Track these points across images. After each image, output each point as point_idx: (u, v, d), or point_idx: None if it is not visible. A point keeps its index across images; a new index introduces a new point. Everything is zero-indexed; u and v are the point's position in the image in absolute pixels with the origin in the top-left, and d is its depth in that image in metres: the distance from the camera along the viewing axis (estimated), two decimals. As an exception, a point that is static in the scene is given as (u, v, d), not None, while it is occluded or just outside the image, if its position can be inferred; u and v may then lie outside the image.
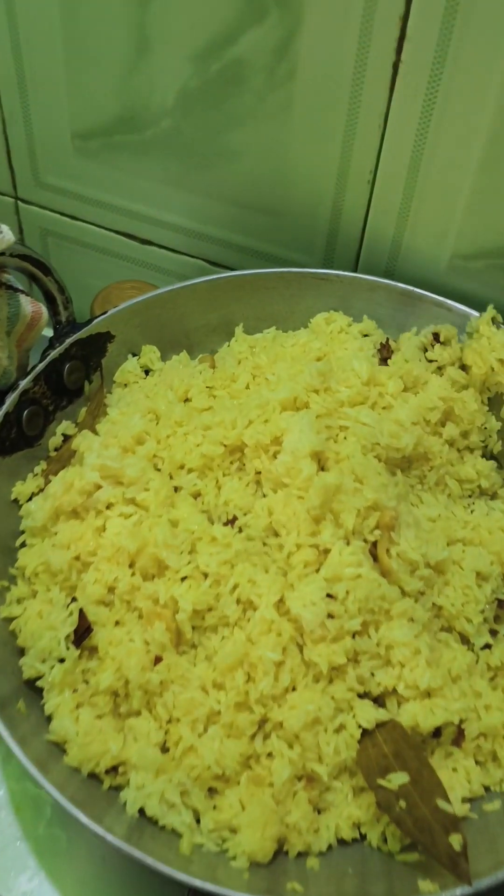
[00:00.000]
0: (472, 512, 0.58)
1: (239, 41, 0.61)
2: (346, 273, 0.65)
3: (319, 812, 0.48)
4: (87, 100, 0.70)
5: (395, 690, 0.49)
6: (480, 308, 0.62)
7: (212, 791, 0.48)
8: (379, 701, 0.49)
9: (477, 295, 0.66)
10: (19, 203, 0.81)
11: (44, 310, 0.58)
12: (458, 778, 0.49)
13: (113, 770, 0.48)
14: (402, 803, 0.44)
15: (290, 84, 0.62)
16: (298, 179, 0.67)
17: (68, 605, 0.50)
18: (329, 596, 0.48)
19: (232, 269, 0.75)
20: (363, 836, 0.48)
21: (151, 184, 0.73)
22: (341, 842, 0.48)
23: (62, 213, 0.80)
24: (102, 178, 0.75)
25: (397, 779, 0.45)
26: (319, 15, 0.58)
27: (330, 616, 0.47)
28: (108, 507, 0.52)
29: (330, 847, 0.47)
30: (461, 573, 0.53)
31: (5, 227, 0.52)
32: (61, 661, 0.49)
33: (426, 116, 0.59)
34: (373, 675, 0.49)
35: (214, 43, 0.62)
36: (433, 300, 0.64)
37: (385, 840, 0.47)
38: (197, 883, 0.41)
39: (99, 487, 0.52)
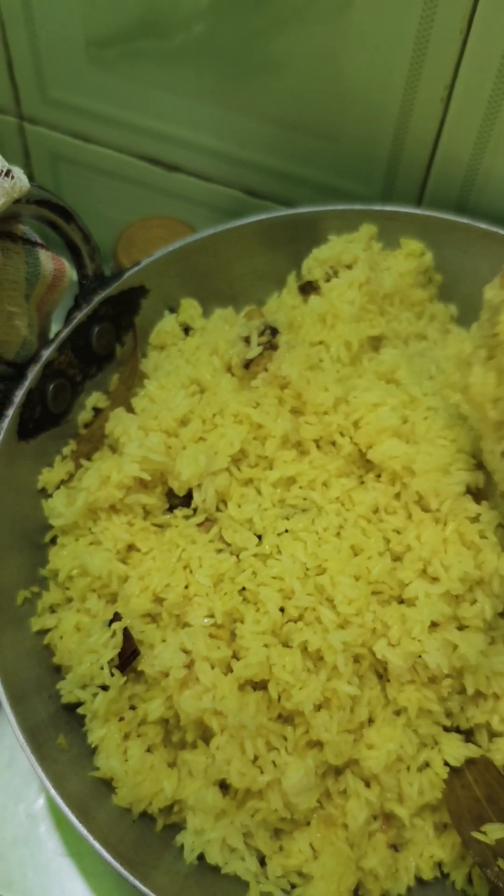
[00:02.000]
0: None
1: None
2: (418, 211, 0.58)
3: (397, 849, 0.43)
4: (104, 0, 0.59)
5: (487, 724, 0.43)
6: None
7: (278, 832, 0.43)
8: (468, 736, 0.43)
9: None
10: (24, 124, 0.72)
11: (67, 266, 0.50)
12: None
13: (167, 809, 0.43)
14: (501, 863, 0.39)
15: (351, -25, 0.51)
16: (356, 95, 0.58)
17: (111, 623, 0.43)
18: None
19: (276, 202, 0.67)
20: (444, 876, 0.43)
21: (180, 99, 0.65)
22: (421, 882, 0.43)
23: (75, 135, 0.71)
24: (122, 92, 0.66)
25: (495, 832, 0.40)
26: None
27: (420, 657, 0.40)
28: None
29: (409, 890, 0.43)
30: None
31: (17, 171, 0.43)
32: (105, 688, 0.43)
33: (524, 17, 0.48)
34: (462, 708, 0.43)
35: None
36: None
37: (470, 882, 0.42)
38: None
39: (140, 482, 0.45)
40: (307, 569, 0.43)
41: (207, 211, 0.70)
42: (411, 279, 0.57)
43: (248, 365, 0.50)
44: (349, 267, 0.55)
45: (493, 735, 0.43)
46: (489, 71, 0.52)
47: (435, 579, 0.42)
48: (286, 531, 0.45)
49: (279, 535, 0.45)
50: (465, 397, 0.44)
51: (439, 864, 0.43)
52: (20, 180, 0.43)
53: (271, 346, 0.50)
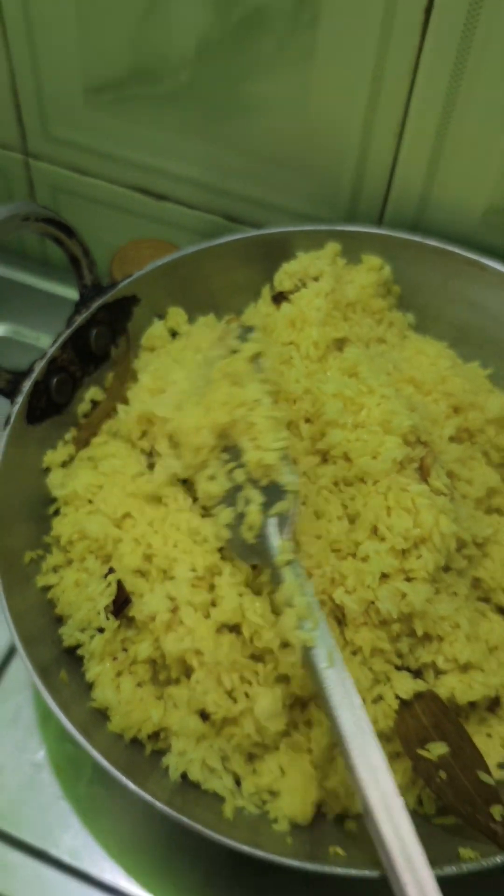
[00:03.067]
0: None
1: (261, -15, 0.59)
2: (376, 230, 0.64)
3: (357, 775, 0.49)
4: (101, 51, 0.68)
5: (433, 663, 0.49)
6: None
7: (251, 757, 0.49)
8: (417, 674, 0.49)
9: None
10: (29, 160, 0.79)
11: None
12: (492, 744, 0.50)
13: (154, 736, 0.49)
14: (442, 774, 0.45)
15: (313, 30, 0.59)
16: (321, 131, 0.65)
17: (106, 576, 0.50)
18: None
19: (252, 225, 0.74)
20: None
21: (167, 135, 0.71)
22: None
23: (74, 169, 0.78)
24: (116, 130, 0.73)
25: (436, 749, 0.46)
26: (347, -43, 0.55)
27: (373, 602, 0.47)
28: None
29: (367, 809, 0.48)
30: (500, 544, 0.53)
31: None
32: (101, 630, 0.49)
33: (461, 62, 0.57)
34: (411, 650, 0.49)
35: (235, -13, 0.59)
36: (465, 258, 0.62)
37: (420, 803, 0.48)
38: (245, 849, 0.42)
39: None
40: None
41: (191, 235, 0.76)
42: (372, 290, 0.64)
43: None
44: (316, 279, 0.62)
45: (438, 673, 0.49)
46: (434, 110, 0.60)
47: (382, 539, 0.49)
48: None
49: None
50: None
51: (394, 789, 0.49)
52: None
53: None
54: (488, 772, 0.45)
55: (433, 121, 0.60)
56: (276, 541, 0.47)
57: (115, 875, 0.54)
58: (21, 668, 0.61)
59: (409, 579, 0.48)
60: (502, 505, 0.56)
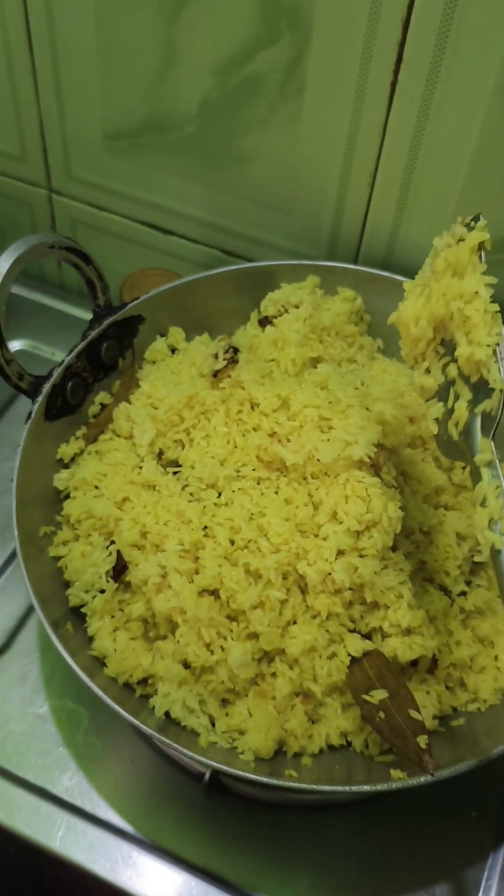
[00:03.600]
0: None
1: (256, 58, 0.69)
2: (350, 266, 0.74)
3: (313, 722, 0.58)
4: (118, 105, 0.78)
5: (380, 628, 0.58)
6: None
7: (225, 702, 0.57)
8: (366, 636, 0.58)
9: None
10: (52, 195, 0.89)
11: None
12: (430, 699, 0.59)
13: (143, 682, 0.57)
14: (382, 714, 0.54)
15: (299, 97, 0.70)
16: (305, 180, 0.75)
17: (108, 547, 0.59)
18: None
19: (245, 259, 0.83)
20: (349, 744, 0.58)
21: (174, 179, 0.81)
22: (331, 747, 0.58)
23: (91, 205, 0.88)
24: (129, 173, 0.83)
25: (378, 695, 0.55)
26: (326, 39, 0.66)
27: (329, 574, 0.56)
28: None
29: (321, 751, 0.57)
30: (443, 534, 0.62)
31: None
32: (102, 591, 0.58)
33: (420, 128, 0.67)
34: (362, 616, 0.58)
35: (234, 59, 0.70)
36: (425, 291, 0.72)
37: (367, 746, 0.57)
38: (215, 765, 0.51)
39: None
40: (251, 514, 0.58)
41: (192, 265, 0.86)
42: (345, 317, 0.73)
43: (216, 374, 0.67)
44: (297, 306, 0.72)
45: (384, 636, 0.58)
46: (399, 165, 0.69)
47: (340, 522, 0.58)
48: (239, 489, 0.61)
49: (233, 492, 0.61)
50: (397, 325, 0.52)
51: (345, 734, 0.57)
52: None
53: (233, 361, 0.67)
54: (418, 710, 0.54)
55: (398, 174, 0.71)
56: (478, 439, 0.47)
57: (105, 811, 0.63)
58: (29, 635, 0.71)
59: (361, 556, 0.57)
60: (448, 501, 0.65)
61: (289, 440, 0.61)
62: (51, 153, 0.86)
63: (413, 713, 0.53)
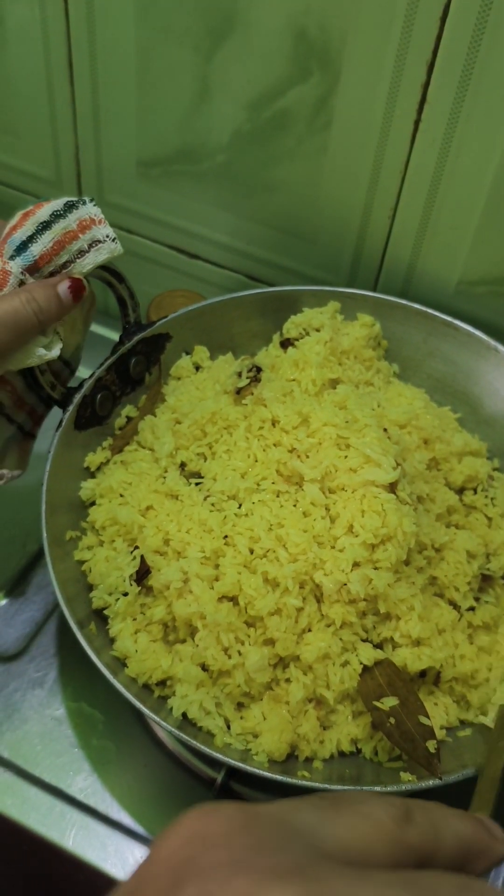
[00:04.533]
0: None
1: (286, 94, 0.73)
2: (369, 293, 0.77)
3: (325, 729, 0.59)
4: (154, 134, 0.82)
5: (391, 638, 0.60)
6: (483, 327, 0.74)
7: (240, 705, 0.59)
8: (378, 646, 0.60)
9: (479, 317, 0.78)
10: (85, 217, 0.93)
11: (94, 291, 0.67)
12: (438, 710, 0.60)
13: (162, 683, 0.59)
14: (392, 720, 0.56)
15: (326, 132, 0.74)
16: (328, 211, 0.79)
17: (132, 552, 0.61)
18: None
19: (269, 284, 0.87)
20: (359, 751, 0.59)
21: (203, 206, 0.85)
22: (341, 754, 0.59)
23: (121, 228, 0.91)
24: (160, 199, 0.86)
25: (389, 702, 0.57)
26: (354, 79, 0.69)
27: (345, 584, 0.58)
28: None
29: (332, 756, 0.59)
30: (454, 551, 0.65)
31: (116, 237, 0.63)
32: (125, 594, 0.60)
33: (440, 167, 0.70)
34: (374, 626, 0.60)
35: (266, 95, 0.74)
36: (442, 320, 0.75)
37: (376, 753, 0.59)
38: (231, 762, 0.52)
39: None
40: (271, 524, 0.61)
41: (217, 289, 0.89)
42: (363, 342, 0.76)
43: (239, 391, 0.70)
44: (317, 330, 0.75)
45: (395, 646, 0.60)
46: (419, 200, 0.73)
47: (356, 535, 0.60)
48: (259, 501, 0.63)
49: (253, 503, 0.63)
50: None
51: (355, 741, 0.59)
52: (119, 247, 0.63)
53: (256, 379, 0.70)
54: (427, 716, 0.55)
55: (419, 208, 0.74)
56: None
57: (117, 812, 0.64)
58: (47, 639, 0.73)
59: (376, 568, 0.59)
60: (459, 521, 0.67)
61: (307, 456, 0.63)
62: (84, 178, 0.90)
63: (423, 719, 0.55)
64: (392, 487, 0.62)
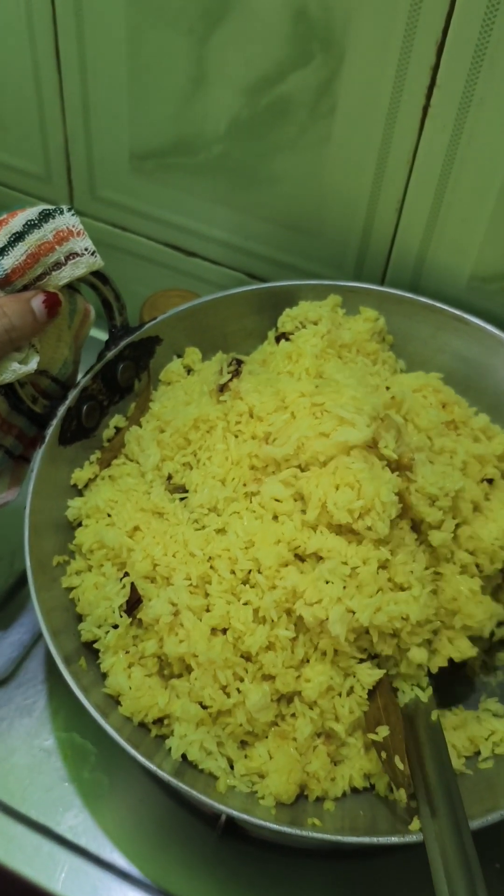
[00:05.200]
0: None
1: (287, 79, 0.68)
2: (373, 286, 0.71)
3: (336, 764, 0.55)
4: (147, 125, 0.77)
5: (393, 655, 0.56)
6: (495, 324, 0.69)
7: (244, 744, 0.55)
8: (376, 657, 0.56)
9: (492, 312, 0.73)
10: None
11: (91, 308, 0.65)
12: (458, 736, 0.56)
13: (159, 721, 0.55)
14: (384, 754, 0.52)
15: (329, 119, 0.69)
16: (333, 204, 0.74)
17: (121, 580, 0.57)
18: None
19: (269, 282, 0.82)
20: (372, 787, 0.55)
21: (199, 201, 0.80)
22: (354, 790, 0.55)
23: (114, 225, 0.87)
24: (154, 194, 0.82)
25: (382, 731, 0.53)
26: (359, 62, 0.64)
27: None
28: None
29: (344, 794, 0.54)
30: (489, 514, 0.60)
31: (95, 250, 0.59)
32: (115, 627, 0.56)
33: (451, 155, 0.66)
34: (372, 644, 0.55)
35: (265, 80, 0.69)
36: (452, 314, 0.69)
37: (392, 790, 0.54)
38: (234, 813, 0.48)
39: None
40: (245, 542, 0.55)
41: (216, 288, 0.84)
42: (367, 336, 0.69)
43: (221, 388, 0.65)
44: (315, 323, 0.69)
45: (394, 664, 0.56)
46: (429, 190, 0.68)
47: (331, 519, 0.54)
48: (234, 512, 0.58)
49: (230, 515, 0.58)
50: None
51: (368, 776, 0.55)
52: (98, 260, 0.59)
53: (237, 374, 0.65)
54: (403, 759, 0.52)
55: (428, 200, 0.69)
56: None
57: (110, 852, 0.60)
58: (36, 664, 0.68)
59: (355, 571, 0.54)
60: (494, 475, 0.62)
61: (276, 438, 0.59)
62: (75, 173, 0.85)
63: (398, 761, 0.51)
64: (373, 445, 0.56)
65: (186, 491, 0.61)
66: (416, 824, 0.49)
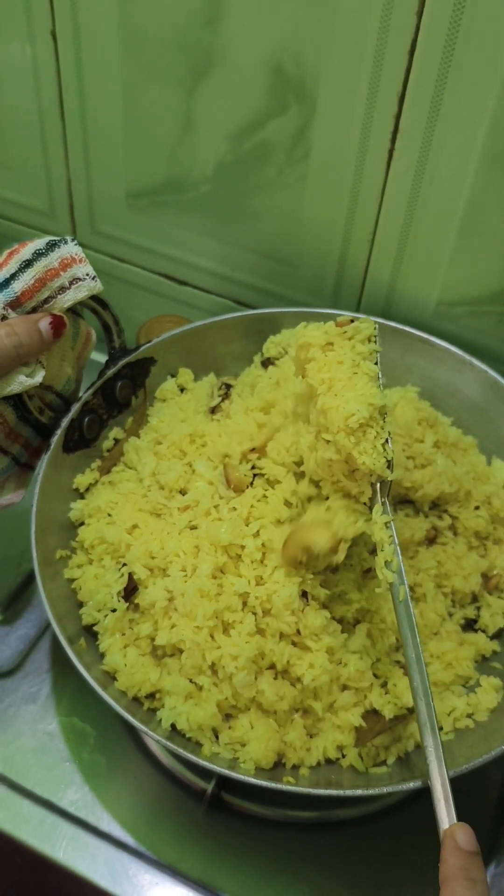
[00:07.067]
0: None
1: (266, 126, 0.76)
2: (346, 313, 0.78)
3: (312, 737, 0.61)
4: (141, 166, 0.85)
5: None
6: (461, 345, 0.76)
7: (228, 716, 0.60)
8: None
9: (458, 335, 0.80)
10: (77, 247, 0.96)
11: (93, 331, 0.72)
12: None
13: (151, 696, 0.61)
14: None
15: (305, 162, 0.76)
16: (310, 237, 0.81)
17: (120, 569, 0.63)
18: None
19: (256, 308, 0.89)
20: (343, 756, 0.60)
21: (190, 234, 0.88)
22: (328, 761, 0.60)
23: (113, 257, 0.94)
24: (149, 228, 0.89)
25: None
26: (329, 110, 0.72)
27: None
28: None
29: (318, 763, 0.60)
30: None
31: (96, 276, 0.66)
32: (113, 611, 0.62)
33: (415, 193, 0.73)
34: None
35: (246, 127, 0.77)
36: (419, 337, 0.77)
37: (361, 759, 0.60)
38: (219, 769, 0.54)
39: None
40: (222, 541, 0.62)
41: (206, 314, 0.91)
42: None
43: (213, 410, 0.72)
44: None
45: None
46: (397, 225, 0.75)
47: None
48: (217, 518, 0.64)
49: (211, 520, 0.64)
50: None
51: (340, 748, 0.60)
52: (98, 284, 0.66)
53: (227, 396, 0.72)
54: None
55: (396, 232, 0.76)
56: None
57: (108, 824, 0.65)
58: (41, 656, 0.74)
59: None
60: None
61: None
62: (77, 209, 0.93)
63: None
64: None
65: (182, 494, 0.67)
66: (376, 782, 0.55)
